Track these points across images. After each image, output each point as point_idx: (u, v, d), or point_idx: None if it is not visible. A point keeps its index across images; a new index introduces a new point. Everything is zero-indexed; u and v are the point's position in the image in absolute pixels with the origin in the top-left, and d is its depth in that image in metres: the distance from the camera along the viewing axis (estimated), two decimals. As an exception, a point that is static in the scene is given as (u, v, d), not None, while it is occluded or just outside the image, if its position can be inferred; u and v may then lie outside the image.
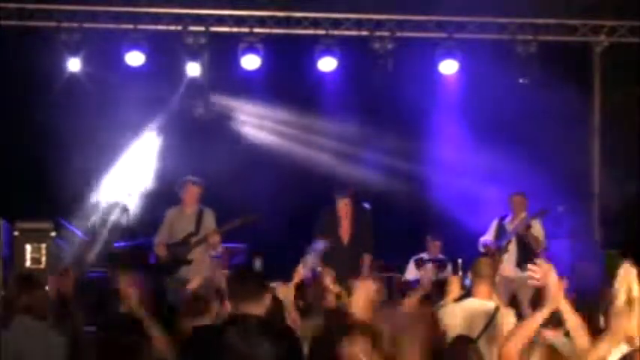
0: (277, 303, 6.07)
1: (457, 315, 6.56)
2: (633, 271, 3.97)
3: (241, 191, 11.90)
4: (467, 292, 6.93)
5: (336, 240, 10.20)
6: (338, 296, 7.06)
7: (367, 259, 10.30)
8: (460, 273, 10.76)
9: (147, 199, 12.30)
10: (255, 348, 3.72)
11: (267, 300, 4.94)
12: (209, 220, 10.30)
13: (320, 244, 10.07)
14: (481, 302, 6.63)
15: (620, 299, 3.85)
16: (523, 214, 11.07)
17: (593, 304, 5.52)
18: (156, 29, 12.12)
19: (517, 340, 4.45)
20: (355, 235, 10.32)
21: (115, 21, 12.05)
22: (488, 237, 11.19)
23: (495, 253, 10.88)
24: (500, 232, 11.13)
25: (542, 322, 4.56)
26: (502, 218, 11.23)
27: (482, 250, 11.03)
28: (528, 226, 10.90)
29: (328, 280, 6.86)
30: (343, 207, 10.32)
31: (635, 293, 3.82)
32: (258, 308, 4.84)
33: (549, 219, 11.28)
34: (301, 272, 6.87)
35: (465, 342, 5.33)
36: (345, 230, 10.34)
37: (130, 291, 5.20)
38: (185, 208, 10.35)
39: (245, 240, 11.57)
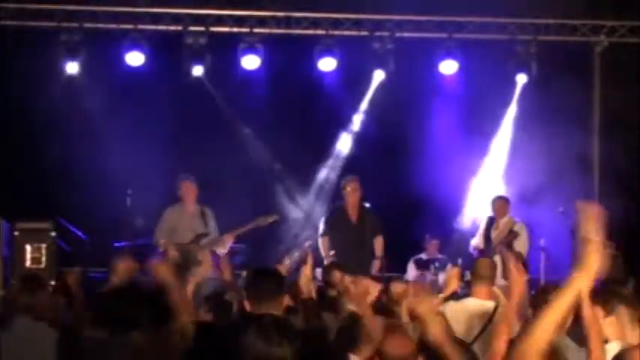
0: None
1: (456, 315, 6.56)
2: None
3: (243, 190, 11.94)
4: (465, 287, 6.93)
5: (344, 218, 10.58)
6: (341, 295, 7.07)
7: (379, 241, 10.68)
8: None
9: (147, 198, 12.28)
10: (274, 348, 3.74)
11: (284, 300, 4.99)
12: (212, 220, 10.29)
13: (306, 247, 10.15)
14: (480, 302, 6.64)
15: None
16: (506, 219, 11.11)
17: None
18: (156, 29, 12.12)
19: (500, 338, 4.50)
20: (363, 215, 10.56)
21: (115, 21, 12.05)
22: (477, 241, 11.21)
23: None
24: (488, 237, 11.17)
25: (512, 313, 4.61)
26: (490, 221, 11.26)
27: (474, 254, 11.08)
28: (515, 235, 10.94)
29: (346, 279, 6.83)
30: (350, 191, 10.58)
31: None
32: (275, 308, 4.91)
33: (550, 219, 11.29)
34: (287, 266, 6.93)
35: (460, 346, 5.25)
36: (352, 210, 10.60)
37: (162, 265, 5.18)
38: (185, 207, 10.31)
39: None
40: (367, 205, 10.56)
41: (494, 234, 11.17)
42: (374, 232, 10.70)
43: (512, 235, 10.96)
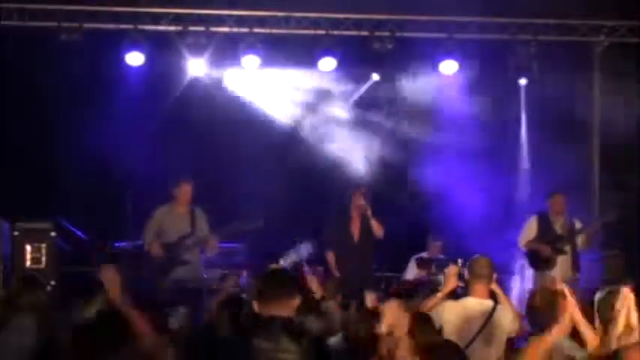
0: None
1: (455, 314, 6.58)
2: (631, 296, 4.12)
3: (238, 190, 11.95)
4: (464, 287, 6.94)
5: (347, 236, 10.46)
6: (322, 298, 7.11)
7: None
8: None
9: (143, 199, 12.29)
10: (282, 351, 3.73)
11: (296, 302, 4.90)
12: (202, 220, 10.29)
13: (306, 250, 10.12)
14: (479, 301, 6.66)
15: (620, 324, 4.03)
16: (562, 217, 11.02)
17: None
18: (156, 29, 12.12)
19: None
20: (365, 231, 10.46)
21: (115, 21, 12.05)
22: (529, 236, 11.02)
23: (551, 254, 10.77)
24: (546, 231, 10.98)
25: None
26: (541, 216, 11.08)
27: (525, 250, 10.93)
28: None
29: (314, 285, 6.90)
30: (356, 202, 10.47)
31: (634, 320, 3.94)
32: (286, 310, 4.79)
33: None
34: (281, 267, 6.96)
35: (452, 350, 5.19)
36: (355, 226, 10.51)
37: (113, 279, 5.18)
38: (177, 207, 10.33)
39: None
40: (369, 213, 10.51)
41: (560, 230, 10.98)
42: (374, 245, 10.68)
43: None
